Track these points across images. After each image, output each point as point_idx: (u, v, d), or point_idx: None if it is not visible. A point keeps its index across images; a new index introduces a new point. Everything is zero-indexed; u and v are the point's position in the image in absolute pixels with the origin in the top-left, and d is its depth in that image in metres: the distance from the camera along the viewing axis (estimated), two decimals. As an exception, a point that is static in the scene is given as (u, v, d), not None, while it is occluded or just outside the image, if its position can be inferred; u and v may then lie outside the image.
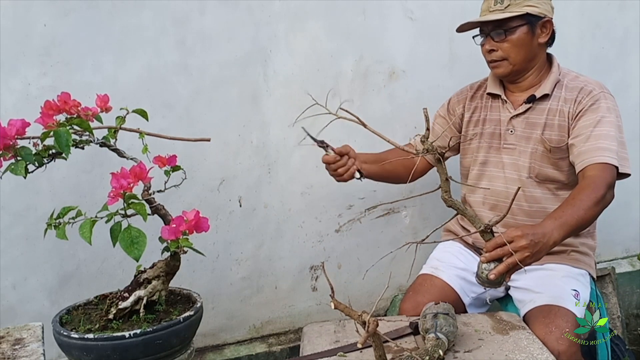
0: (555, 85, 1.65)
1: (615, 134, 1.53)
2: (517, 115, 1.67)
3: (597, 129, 1.54)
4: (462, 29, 1.69)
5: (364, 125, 1.26)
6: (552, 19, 1.64)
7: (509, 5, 1.57)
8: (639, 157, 2.45)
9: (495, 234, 1.30)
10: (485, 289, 1.34)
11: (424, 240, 1.30)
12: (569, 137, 1.60)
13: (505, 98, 1.71)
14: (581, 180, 1.50)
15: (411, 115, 2.06)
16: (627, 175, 1.53)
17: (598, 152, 1.50)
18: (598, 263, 2.11)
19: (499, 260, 1.27)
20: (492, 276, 1.26)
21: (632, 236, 2.55)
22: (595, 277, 1.71)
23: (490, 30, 1.61)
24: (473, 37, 1.70)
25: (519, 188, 1.27)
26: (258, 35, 1.87)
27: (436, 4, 2.06)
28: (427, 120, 1.24)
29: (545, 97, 1.64)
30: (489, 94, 1.75)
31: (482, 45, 1.67)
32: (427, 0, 2.05)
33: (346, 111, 1.26)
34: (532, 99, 1.65)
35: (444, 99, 1.90)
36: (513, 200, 1.24)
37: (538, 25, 1.61)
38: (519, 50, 1.60)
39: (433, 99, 2.03)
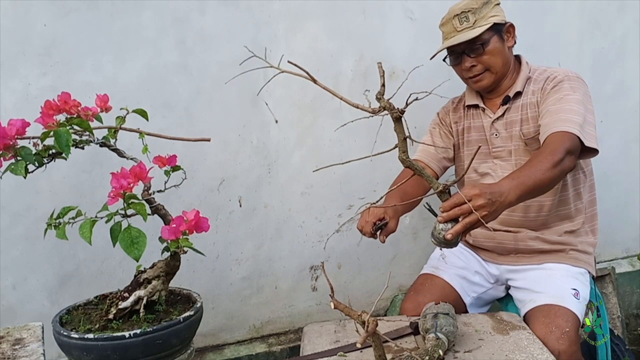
0: (527, 81, 1.70)
1: (580, 110, 1.54)
2: (497, 119, 1.72)
3: (559, 105, 1.56)
4: (434, 55, 1.72)
5: (314, 81, 1.19)
6: (512, 23, 1.69)
7: (475, 20, 1.61)
8: (639, 156, 2.46)
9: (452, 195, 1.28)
10: (440, 249, 1.32)
11: (378, 201, 1.25)
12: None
13: (483, 106, 1.76)
14: (541, 146, 1.53)
15: (411, 115, 2.03)
16: (595, 151, 1.53)
17: (559, 122, 1.52)
18: (598, 263, 2.10)
19: (455, 220, 1.25)
20: (449, 236, 1.23)
21: (632, 236, 2.55)
22: (594, 275, 1.72)
23: (464, 48, 1.65)
24: (443, 59, 1.74)
25: (479, 147, 1.31)
26: (258, 35, 1.87)
27: (436, 4, 2.06)
28: (383, 76, 1.18)
29: (518, 94, 1.69)
30: (467, 106, 1.80)
31: (457, 64, 1.70)
32: (427, 0, 2.06)
33: (294, 65, 1.18)
34: (507, 100, 1.70)
35: (444, 99, 1.90)
36: (472, 159, 1.27)
37: (503, 31, 1.66)
38: (497, 59, 1.66)
39: (433, 99, 2.03)
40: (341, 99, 1.20)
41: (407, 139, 1.19)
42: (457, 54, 1.67)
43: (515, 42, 1.70)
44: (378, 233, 1.59)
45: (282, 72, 1.20)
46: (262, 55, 1.88)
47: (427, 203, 1.38)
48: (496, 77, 1.67)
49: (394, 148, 1.20)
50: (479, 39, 1.62)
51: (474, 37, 1.61)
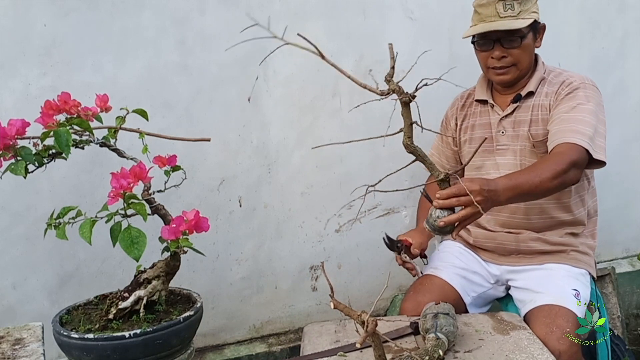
0: (540, 82, 1.68)
1: (592, 121, 1.53)
2: (505, 116, 1.70)
3: (571, 114, 1.55)
4: (469, 35, 1.68)
5: (322, 57, 1.15)
6: (545, 25, 1.68)
7: (520, 12, 1.58)
8: (639, 156, 2.46)
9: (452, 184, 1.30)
10: (434, 235, 1.36)
11: (376, 184, 1.26)
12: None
13: (492, 102, 1.74)
14: (547, 154, 1.52)
15: (412, 114, 2.06)
16: (603, 163, 1.53)
17: (568, 133, 1.51)
18: (598, 263, 2.10)
19: (450, 209, 1.28)
20: (441, 223, 1.27)
21: (632, 236, 2.54)
22: (595, 276, 1.72)
23: (501, 36, 1.60)
24: (472, 42, 1.70)
25: (485, 139, 1.33)
26: (258, 35, 1.86)
27: (436, 4, 2.06)
28: (393, 58, 1.17)
29: (530, 94, 1.68)
30: (477, 100, 1.79)
31: (486, 51, 1.65)
32: (427, 0, 2.05)
33: (303, 38, 1.14)
34: (518, 98, 1.68)
35: (443, 99, 1.90)
36: (475, 152, 1.30)
37: (537, 31, 1.65)
38: (526, 56, 1.64)
39: (433, 99, 2.03)
40: (349, 77, 1.17)
41: (414, 126, 1.19)
42: (490, 40, 1.62)
43: (541, 44, 1.68)
44: (404, 255, 1.71)
45: (287, 44, 1.15)
46: (264, 56, 1.88)
47: (423, 189, 1.38)
48: (520, 73, 1.65)
49: (399, 132, 1.19)
50: (520, 31, 1.58)
51: (517, 29, 1.57)
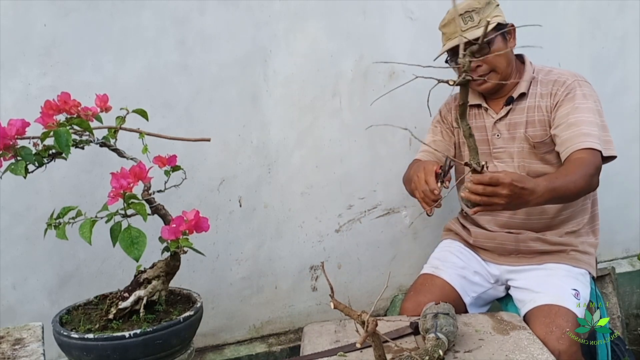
0: (531, 83, 1.68)
1: (595, 119, 1.55)
2: (500, 119, 1.71)
3: (575, 116, 1.56)
4: (439, 56, 1.69)
5: None
6: (513, 24, 1.67)
7: (480, 20, 1.59)
8: (639, 157, 2.46)
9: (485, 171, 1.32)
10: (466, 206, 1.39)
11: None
12: (550, 129, 1.63)
13: (486, 106, 1.74)
14: (569, 161, 1.52)
15: (411, 115, 2.06)
16: (613, 157, 1.56)
17: (581, 137, 1.52)
18: (598, 263, 2.11)
19: None
20: (462, 194, 1.33)
21: (632, 236, 2.55)
22: (595, 276, 1.72)
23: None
24: (446, 61, 1.70)
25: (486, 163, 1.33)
26: (258, 35, 1.87)
27: (436, 3, 2.06)
28: (484, 35, 1.15)
29: (523, 95, 1.68)
30: (470, 105, 1.77)
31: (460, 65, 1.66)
32: (427, 0, 2.05)
33: None
34: (510, 101, 1.69)
35: (444, 99, 1.90)
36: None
37: (506, 32, 1.65)
38: (502, 59, 1.63)
39: (433, 100, 2.03)
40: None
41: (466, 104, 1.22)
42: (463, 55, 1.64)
43: (515, 44, 1.68)
44: (440, 185, 1.49)
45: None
46: (264, 56, 1.89)
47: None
48: (501, 77, 1.65)
49: (454, 83, 1.19)
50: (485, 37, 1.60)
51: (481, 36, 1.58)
